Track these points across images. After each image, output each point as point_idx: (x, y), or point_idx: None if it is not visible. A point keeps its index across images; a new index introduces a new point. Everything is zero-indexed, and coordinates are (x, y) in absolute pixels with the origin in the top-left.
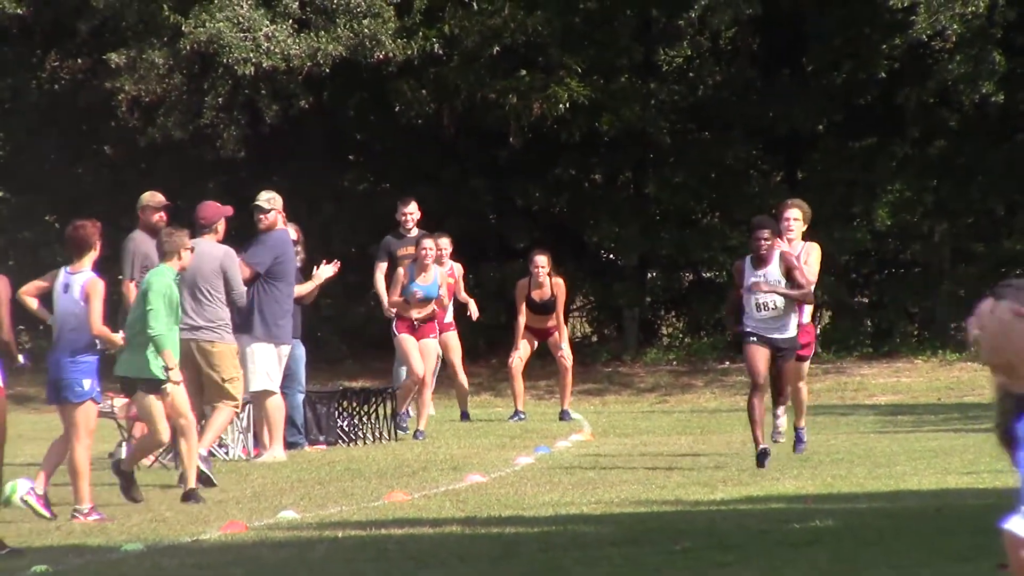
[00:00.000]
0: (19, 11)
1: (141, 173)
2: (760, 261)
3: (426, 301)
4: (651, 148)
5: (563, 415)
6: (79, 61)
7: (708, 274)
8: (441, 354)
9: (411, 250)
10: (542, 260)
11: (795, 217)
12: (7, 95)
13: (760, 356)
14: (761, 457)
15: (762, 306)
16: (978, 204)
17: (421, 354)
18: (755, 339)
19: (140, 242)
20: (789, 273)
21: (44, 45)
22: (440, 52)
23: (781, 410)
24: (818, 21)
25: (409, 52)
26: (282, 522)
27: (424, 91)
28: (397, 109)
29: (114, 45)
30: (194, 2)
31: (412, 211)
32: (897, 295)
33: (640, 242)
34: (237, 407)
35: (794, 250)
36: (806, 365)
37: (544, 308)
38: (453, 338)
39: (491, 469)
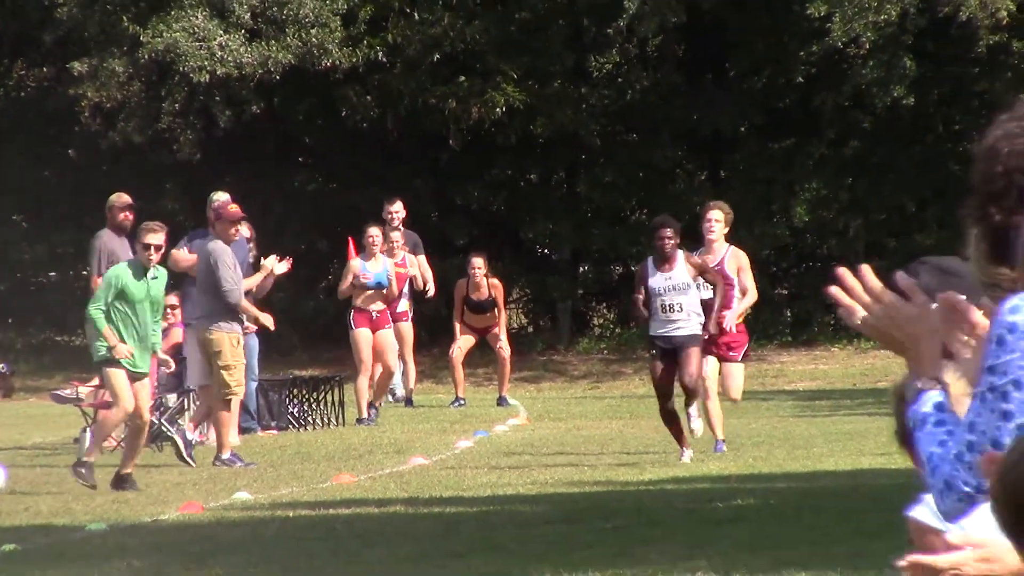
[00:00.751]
0: None
1: (103, 175)
2: (664, 262)
3: (378, 287)
4: (583, 150)
5: (501, 401)
6: (44, 70)
7: (637, 268)
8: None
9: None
10: (478, 262)
11: (717, 218)
12: None
13: (664, 373)
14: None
15: (668, 308)
16: (890, 201)
17: (380, 343)
18: (655, 352)
19: (107, 240)
20: (702, 274)
21: (11, 55)
22: (384, 60)
23: (694, 409)
24: (740, 29)
25: (354, 60)
26: (236, 503)
27: (369, 97)
28: (344, 114)
29: (77, 55)
30: (152, 13)
31: (397, 209)
32: (814, 287)
33: (572, 238)
34: (231, 395)
35: (718, 252)
36: (741, 373)
37: (481, 307)
38: (406, 328)
39: (433, 452)
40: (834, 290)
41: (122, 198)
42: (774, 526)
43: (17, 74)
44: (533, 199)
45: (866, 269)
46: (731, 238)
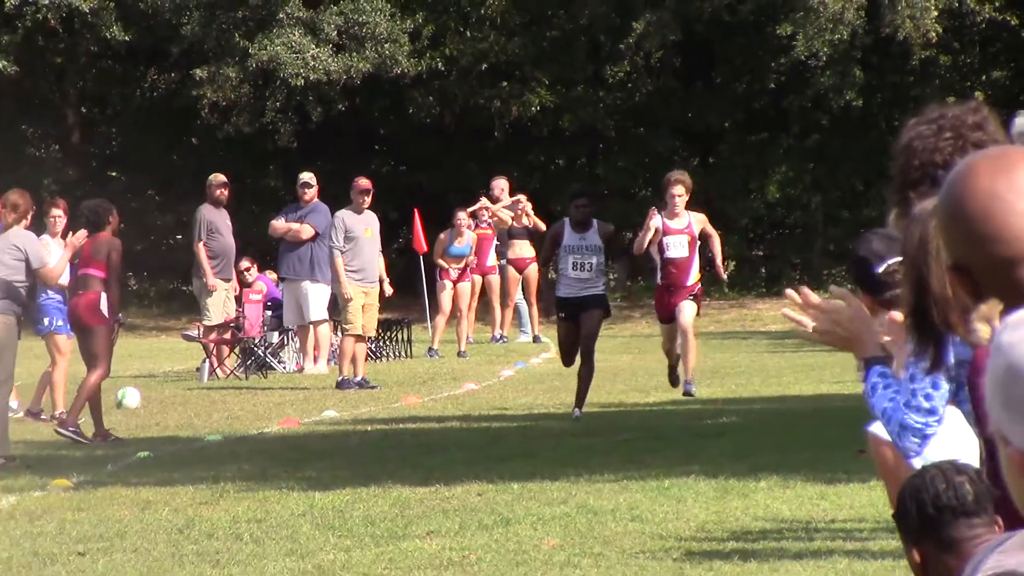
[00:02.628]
0: (127, 38)
1: (219, 159)
2: (580, 226)
3: (461, 257)
4: (600, 140)
5: (535, 339)
6: (172, 75)
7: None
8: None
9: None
10: (521, 199)
11: (679, 193)
12: (118, 101)
13: (570, 335)
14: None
15: (579, 266)
16: (844, 182)
17: (457, 294)
18: (564, 315)
19: (206, 212)
20: (609, 240)
21: (145, 63)
22: (442, 68)
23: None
24: (724, 45)
25: (419, 68)
26: (326, 419)
27: (431, 98)
28: (411, 111)
29: (198, 63)
30: (258, 30)
31: (504, 187)
32: (784, 250)
33: (592, 211)
34: (348, 331)
35: (683, 218)
36: (693, 308)
37: (521, 234)
38: (494, 279)
39: (482, 379)
40: (786, 312)
41: (218, 177)
42: (751, 439)
43: (151, 79)
44: (561, 180)
45: (806, 290)
46: (700, 209)
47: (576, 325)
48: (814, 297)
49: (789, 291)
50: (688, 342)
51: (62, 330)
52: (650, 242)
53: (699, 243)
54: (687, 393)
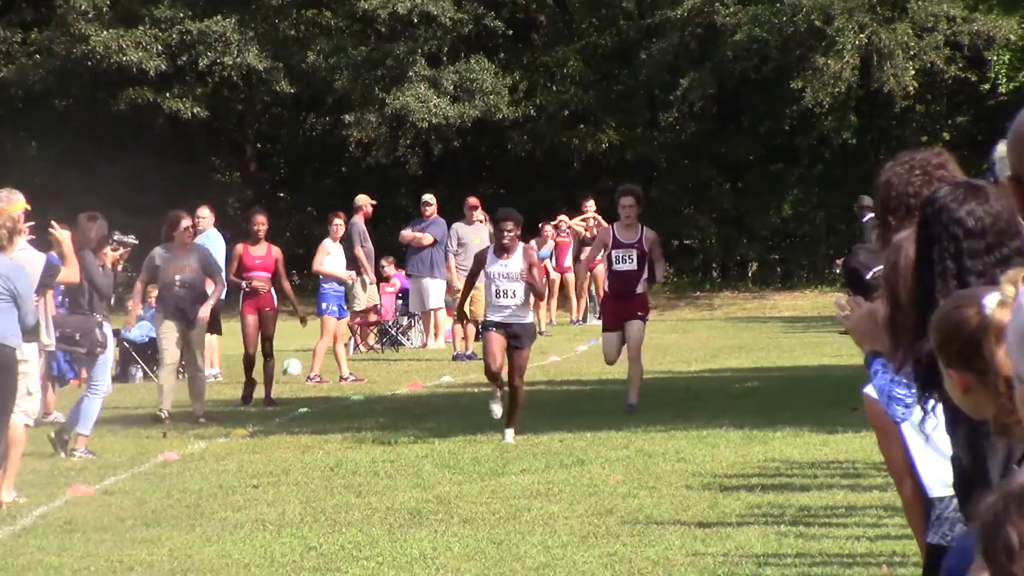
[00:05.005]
0: (292, 90)
1: (363, 184)
2: (503, 251)
3: (544, 259)
4: (655, 170)
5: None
6: (327, 119)
7: (688, 242)
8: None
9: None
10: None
11: (630, 204)
12: (285, 138)
13: (497, 344)
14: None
15: (503, 293)
16: (841, 203)
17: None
18: (493, 328)
19: (355, 224)
20: (531, 267)
21: (306, 109)
22: (534, 114)
23: (511, 433)
24: (750, 96)
25: (516, 114)
26: (443, 383)
27: (525, 137)
28: (509, 147)
29: (347, 110)
30: (393, 85)
31: (591, 205)
32: (795, 254)
33: (649, 225)
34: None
35: (633, 233)
36: (643, 332)
37: (590, 242)
38: (570, 277)
39: (562, 353)
40: (838, 302)
41: (363, 198)
42: (770, 399)
43: (310, 122)
44: None
45: (842, 296)
46: (731, 222)
47: (503, 336)
48: (849, 301)
49: (839, 302)
50: (636, 366)
51: (335, 313)
52: (599, 254)
53: (648, 259)
54: (630, 408)
